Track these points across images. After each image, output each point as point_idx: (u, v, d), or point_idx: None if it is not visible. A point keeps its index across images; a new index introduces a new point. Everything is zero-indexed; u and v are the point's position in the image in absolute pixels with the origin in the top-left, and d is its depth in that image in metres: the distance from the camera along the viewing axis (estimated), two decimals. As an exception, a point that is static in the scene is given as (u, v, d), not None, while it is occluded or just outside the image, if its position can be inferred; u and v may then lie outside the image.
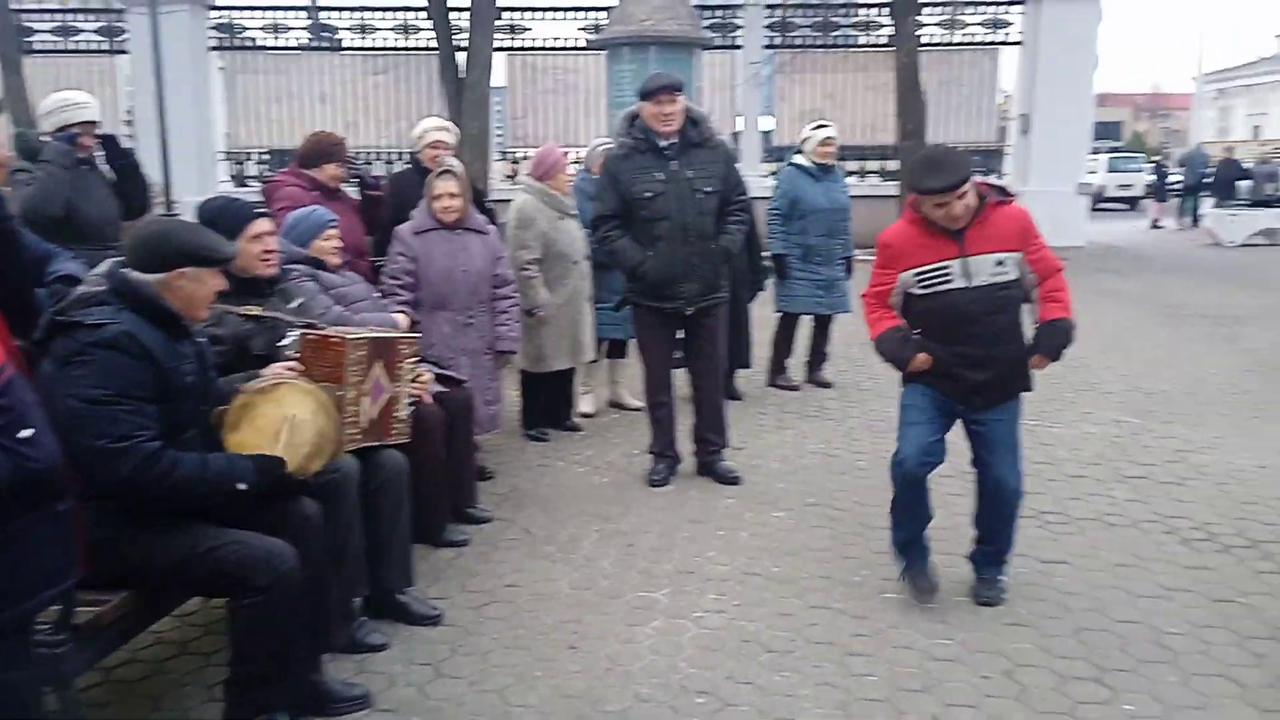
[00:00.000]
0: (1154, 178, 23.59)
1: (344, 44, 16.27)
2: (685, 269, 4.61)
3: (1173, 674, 3.05)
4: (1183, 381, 6.77)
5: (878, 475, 4.48)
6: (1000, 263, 3.36)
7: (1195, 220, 19.79)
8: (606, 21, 13.56)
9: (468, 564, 3.92)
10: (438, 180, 4.60)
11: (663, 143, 4.58)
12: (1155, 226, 20.82)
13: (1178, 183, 22.39)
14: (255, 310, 3.22)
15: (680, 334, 4.92)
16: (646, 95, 4.55)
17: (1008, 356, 3.44)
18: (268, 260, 3.34)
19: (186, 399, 2.64)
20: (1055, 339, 3.45)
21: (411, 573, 3.57)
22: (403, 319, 4.01)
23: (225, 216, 3.29)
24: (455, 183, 4.58)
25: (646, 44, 11.63)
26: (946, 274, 3.36)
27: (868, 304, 3.58)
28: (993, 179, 14.56)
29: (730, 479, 4.84)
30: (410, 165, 5.51)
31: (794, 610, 3.52)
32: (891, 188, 14.44)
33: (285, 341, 3.15)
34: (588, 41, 15.42)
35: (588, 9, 15.69)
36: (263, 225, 3.35)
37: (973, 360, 3.39)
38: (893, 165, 15.35)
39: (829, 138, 6.48)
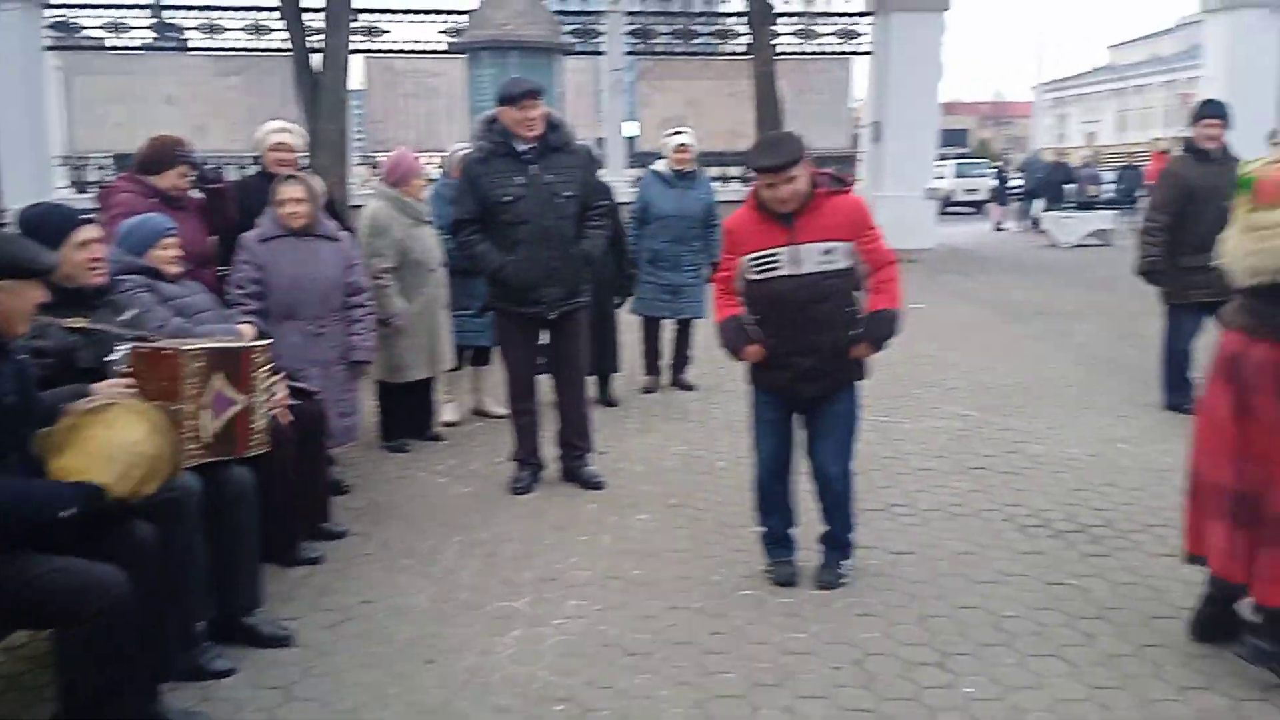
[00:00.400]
0: (996, 183, 24.83)
1: (191, 44, 15.63)
2: (546, 273, 4.60)
3: (1010, 655, 3.21)
4: (1021, 376, 7.14)
5: (737, 475, 4.58)
6: (828, 251, 3.45)
7: (1034, 223, 20.95)
8: (467, 25, 13.43)
9: (321, 581, 3.81)
10: (283, 185, 4.47)
11: (522, 147, 4.57)
12: (998, 229, 21.93)
13: (1018, 187, 23.62)
14: (81, 322, 3.06)
15: (544, 339, 4.92)
16: (509, 100, 4.53)
17: (829, 344, 3.51)
18: (95, 269, 3.18)
19: (5, 422, 2.49)
20: (879, 328, 3.54)
21: (260, 593, 3.44)
22: (248, 329, 3.87)
23: (47, 224, 3.12)
24: (301, 188, 4.45)
25: (507, 48, 11.59)
26: (775, 260, 3.47)
27: (715, 290, 3.72)
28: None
29: (594, 484, 4.85)
30: (256, 170, 5.33)
31: (655, 612, 3.55)
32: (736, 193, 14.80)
33: (115, 356, 3.00)
34: (449, 45, 15.24)
35: (447, 12, 15.51)
36: (88, 232, 3.19)
37: (796, 347, 3.51)
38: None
39: (683, 144, 6.58)
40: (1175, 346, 6.00)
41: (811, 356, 3.51)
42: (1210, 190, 5.51)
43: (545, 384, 5.08)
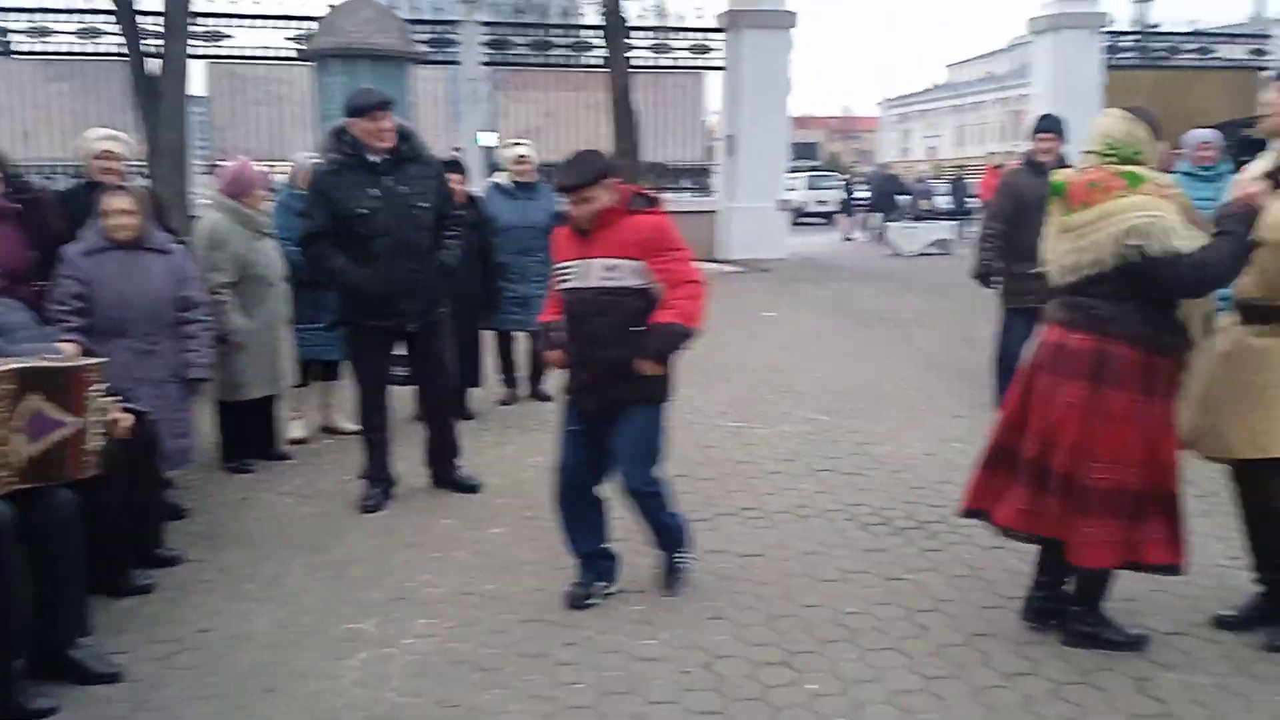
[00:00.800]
0: (845, 195, 25.76)
1: (15, 47, 14.71)
2: (405, 285, 4.54)
3: (851, 651, 3.32)
4: (866, 380, 7.42)
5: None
6: (612, 268, 3.47)
7: (880, 234, 21.82)
8: (315, 32, 13.07)
9: (154, 611, 3.63)
10: (109, 196, 4.25)
11: (373, 158, 4.49)
12: (847, 239, 22.73)
13: (863, 199, 24.53)
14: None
15: (400, 352, 4.85)
16: (359, 111, 4.45)
17: (605, 360, 3.50)
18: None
19: None
20: (657, 342, 3.50)
21: (87, 625, 3.26)
22: (70, 348, 3.65)
23: None
24: (128, 199, 4.25)
25: (357, 57, 11.34)
26: (569, 272, 3.56)
27: (547, 298, 3.78)
28: (654, 191, 15.22)
29: (470, 487, 4.91)
30: (81, 180, 5.05)
31: (507, 626, 3.53)
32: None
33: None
34: (297, 52, 14.81)
35: (294, 18, 15.08)
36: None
37: (579, 359, 3.59)
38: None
39: (522, 156, 6.57)
40: (1007, 349, 6.34)
41: (589, 369, 3.57)
42: (1042, 201, 5.88)
43: (398, 398, 4.98)
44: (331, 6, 12.29)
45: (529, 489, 4.99)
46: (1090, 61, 17.72)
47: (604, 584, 3.72)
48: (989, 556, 4.06)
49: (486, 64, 16.29)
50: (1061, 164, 6.07)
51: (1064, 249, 3.20)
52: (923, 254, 17.82)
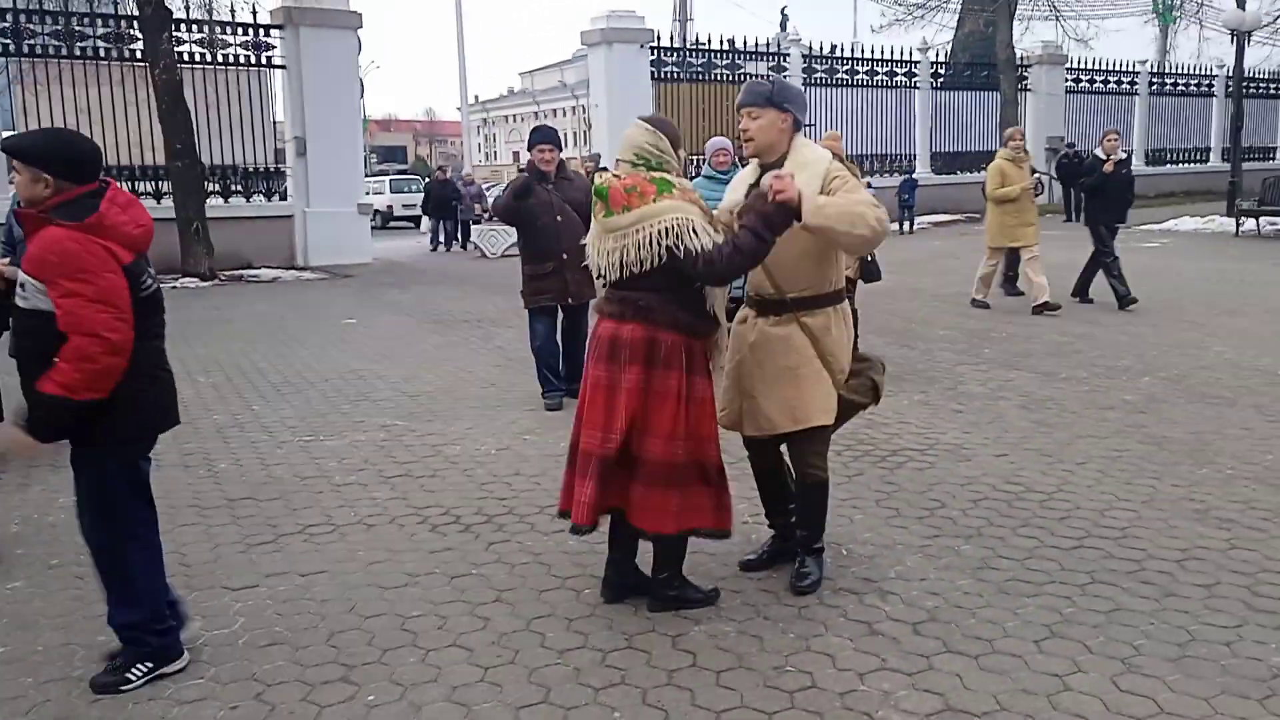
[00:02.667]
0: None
1: None
2: None
3: (412, 655, 3.30)
4: (445, 381, 7.45)
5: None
6: (22, 285, 2.93)
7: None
8: None
9: None
10: None
11: None
12: (435, 243, 22.54)
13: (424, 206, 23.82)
14: None
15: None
16: None
17: (29, 392, 2.93)
18: None
19: None
20: (34, 412, 2.89)
21: None
22: None
23: None
24: None
25: None
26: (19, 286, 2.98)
27: None
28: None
29: None
30: None
31: (23, 691, 3.09)
32: (167, 209, 13.66)
33: None
34: None
35: None
36: None
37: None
38: (166, 185, 14.55)
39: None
40: (534, 345, 6.67)
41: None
42: (544, 207, 6.39)
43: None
44: None
45: (57, 534, 4.43)
46: (641, 73, 19.17)
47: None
48: (550, 541, 4.24)
49: (1, 55, 14.23)
50: (563, 171, 6.55)
51: (608, 248, 3.40)
52: (506, 255, 18.25)
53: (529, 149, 6.62)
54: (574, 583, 3.83)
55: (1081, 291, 10.31)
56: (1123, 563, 3.88)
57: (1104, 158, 10.14)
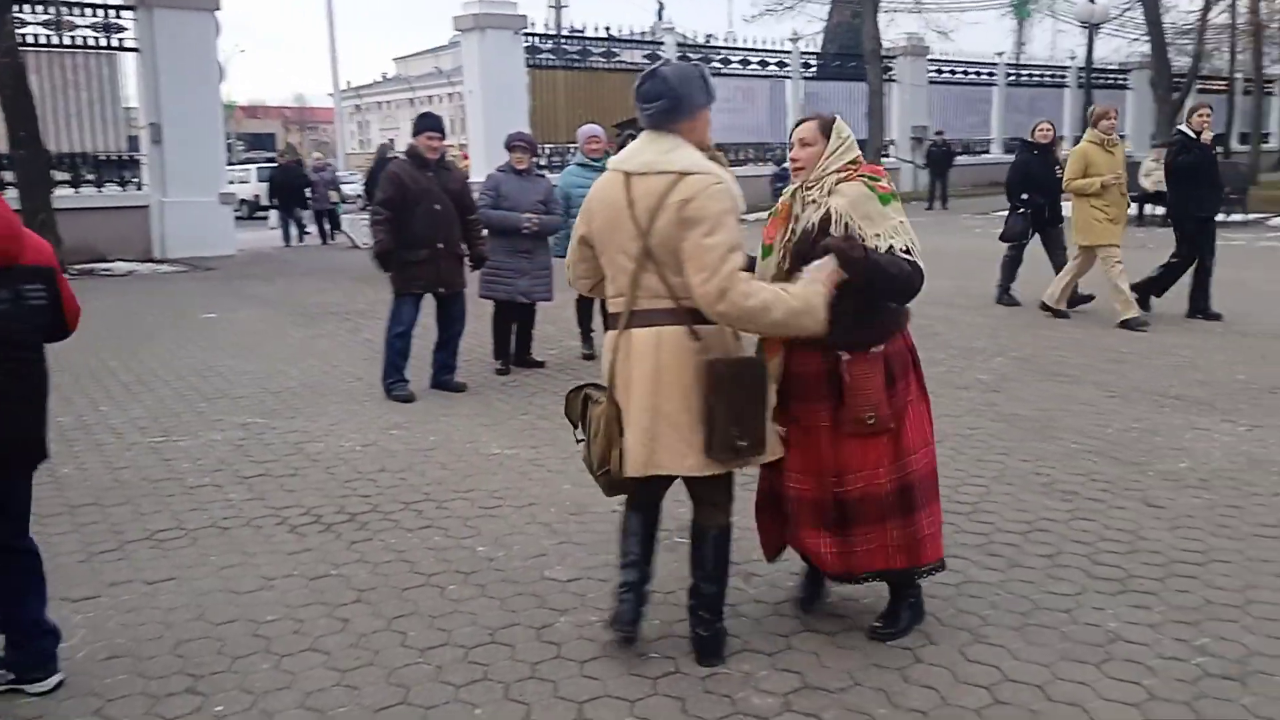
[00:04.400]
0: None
1: None
2: None
3: (265, 661, 3.18)
4: (309, 376, 7.23)
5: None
6: None
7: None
8: None
9: None
10: None
11: None
12: (304, 233, 21.71)
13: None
14: None
15: None
16: None
17: None
18: None
19: None
20: None
21: None
22: None
23: None
24: None
25: None
26: None
27: None
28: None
29: None
30: None
31: None
32: (12, 200, 12.84)
33: None
34: None
35: None
36: None
37: None
38: (10, 175, 13.69)
39: None
40: (395, 330, 6.56)
41: None
42: (424, 193, 6.31)
43: None
44: None
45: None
46: (515, 60, 18.97)
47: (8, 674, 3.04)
48: (415, 538, 4.16)
49: None
50: (442, 160, 6.48)
51: None
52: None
53: (414, 135, 6.52)
54: (439, 579, 3.76)
55: (1203, 307, 8.59)
56: (973, 536, 4.04)
57: (1194, 134, 8.38)
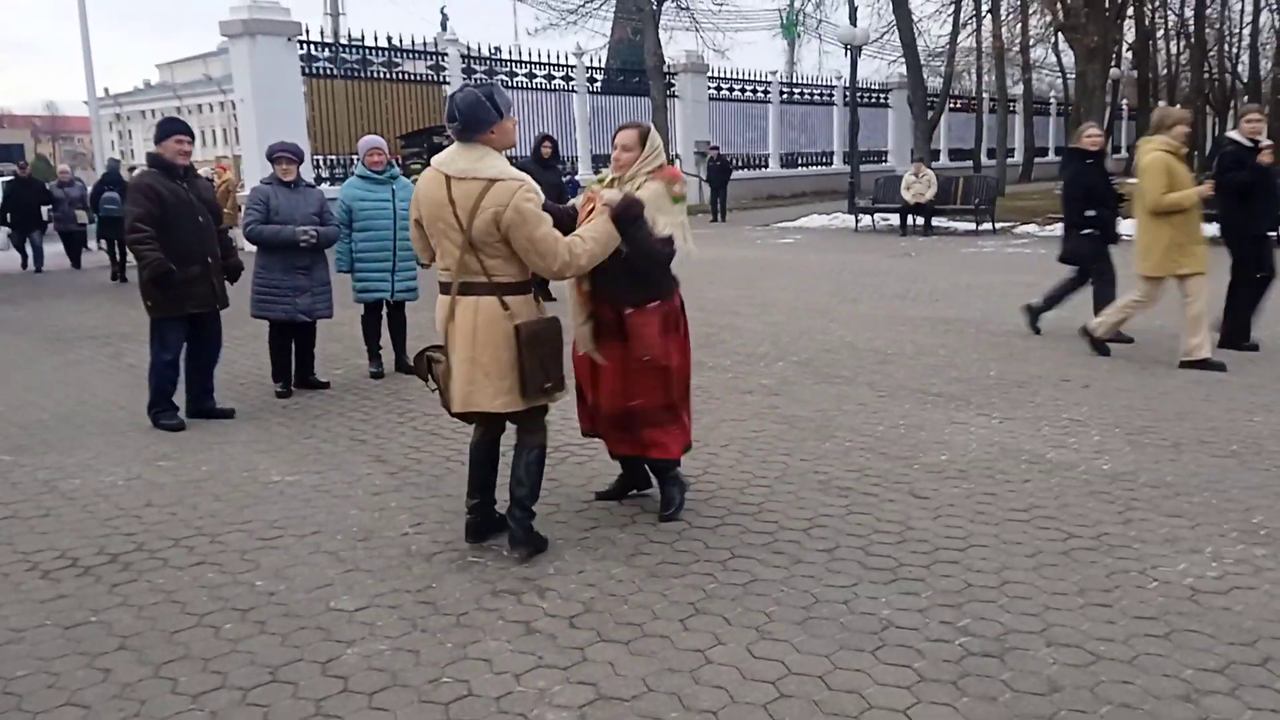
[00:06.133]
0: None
1: None
2: None
3: (17, 717, 2.89)
4: (64, 407, 6.65)
5: None
6: None
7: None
8: None
9: None
10: None
11: None
12: (40, 261, 18.78)
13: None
14: None
15: None
16: None
17: None
18: None
19: None
20: None
21: None
22: None
23: None
24: None
25: None
26: None
27: None
28: None
29: None
30: None
31: None
32: None
33: None
34: None
35: None
36: None
37: None
38: None
39: None
40: (164, 358, 6.08)
41: None
42: (185, 205, 5.88)
43: None
44: None
45: None
46: (289, 68, 18.22)
47: None
48: (186, 576, 3.89)
49: None
50: (190, 170, 6.04)
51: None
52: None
53: (159, 141, 5.95)
54: (212, 618, 3.53)
55: (1243, 334, 7.50)
56: (759, 535, 4.19)
57: (1250, 144, 7.20)
